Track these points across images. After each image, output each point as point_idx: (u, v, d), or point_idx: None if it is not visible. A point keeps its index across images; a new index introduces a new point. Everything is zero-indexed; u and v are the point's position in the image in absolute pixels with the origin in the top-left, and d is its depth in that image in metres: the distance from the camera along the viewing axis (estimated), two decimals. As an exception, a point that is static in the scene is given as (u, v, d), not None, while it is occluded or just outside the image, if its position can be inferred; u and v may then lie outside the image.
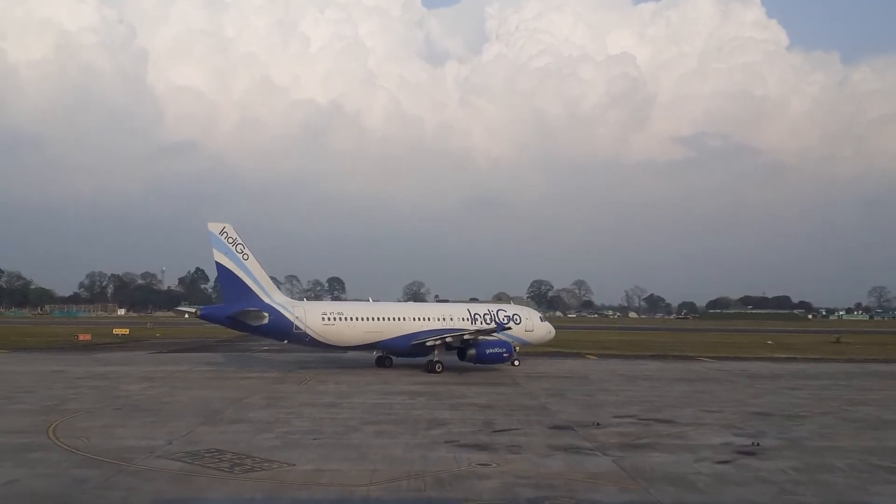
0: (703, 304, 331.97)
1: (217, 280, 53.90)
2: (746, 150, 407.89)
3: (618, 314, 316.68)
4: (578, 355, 70.37)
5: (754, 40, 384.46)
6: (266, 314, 49.31)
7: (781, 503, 19.45)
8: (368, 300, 63.36)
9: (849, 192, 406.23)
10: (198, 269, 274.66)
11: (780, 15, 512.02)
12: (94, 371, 50.18)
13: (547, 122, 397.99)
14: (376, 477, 21.03)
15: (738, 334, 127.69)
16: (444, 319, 54.19)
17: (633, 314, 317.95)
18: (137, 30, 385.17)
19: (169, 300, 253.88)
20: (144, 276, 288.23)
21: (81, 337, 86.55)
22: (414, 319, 53.82)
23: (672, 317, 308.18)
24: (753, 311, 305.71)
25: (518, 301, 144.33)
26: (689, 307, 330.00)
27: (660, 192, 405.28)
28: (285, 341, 53.20)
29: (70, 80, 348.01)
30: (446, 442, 26.42)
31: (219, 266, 49.58)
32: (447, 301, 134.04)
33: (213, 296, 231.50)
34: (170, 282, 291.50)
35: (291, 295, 60.56)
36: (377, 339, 52.54)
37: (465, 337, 50.49)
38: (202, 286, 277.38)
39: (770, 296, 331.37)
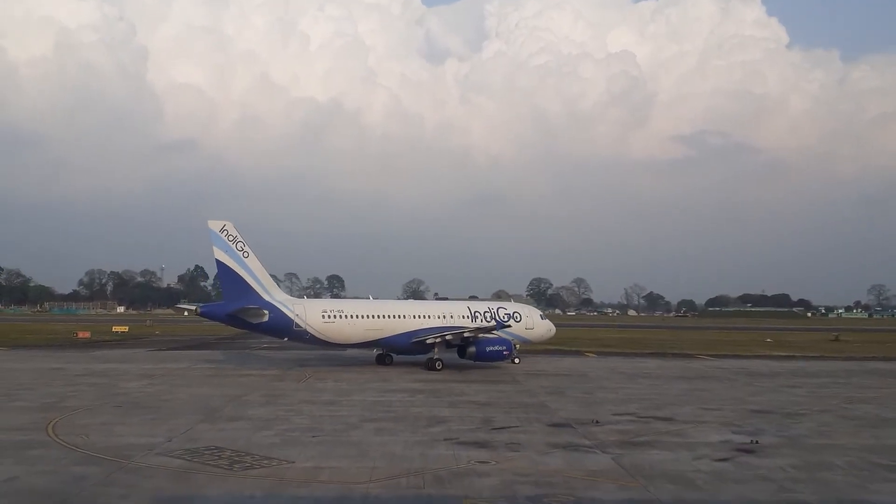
0: (703, 302, 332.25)
1: (217, 277, 53.96)
2: (746, 148, 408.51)
3: (617, 312, 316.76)
4: (578, 353, 70.40)
5: (754, 38, 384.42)
6: (266, 312, 49.35)
7: (780, 501, 19.47)
8: (369, 298, 63.36)
9: (848, 190, 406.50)
10: (197, 266, 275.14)
11: (780, 13, 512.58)
12: (94, 368, 50.21)
13: (547, 120, 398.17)
14: (376, 474, 21.04)
15: (738, 332, 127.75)
16: (444, 317, 54.24)
17: (632, 312, 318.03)
18: (137, 27, 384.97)
19: (168, 298, 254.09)
20: (144, 273, 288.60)
21: (81, 334, 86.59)
22: (414, 317, 53.86)
23: (671, 315, 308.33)
24: (753, 309, 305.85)
25: (517, 299, 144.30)
26: (688, 305, 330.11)
27: (659, 190, 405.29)
28: (285, 339, 53.28)
29: (70, 78, 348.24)
30: (446, 439, 26.44)
31: (219, 264, 49.61)
32: (447, 299, 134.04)
33: (213, 293, 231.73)
34: (169, 279, 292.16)
35: (291, 293, 60.55)
36: (377, 337, 52.57)
37: (465, 335, 50.50)
38: (201, 284, 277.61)
39: (769, 294, 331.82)
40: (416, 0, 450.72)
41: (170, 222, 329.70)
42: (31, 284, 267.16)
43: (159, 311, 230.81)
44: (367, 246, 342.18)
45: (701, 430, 29.60)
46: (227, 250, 49.28)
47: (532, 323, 57.22)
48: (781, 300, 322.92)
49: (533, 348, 61.79)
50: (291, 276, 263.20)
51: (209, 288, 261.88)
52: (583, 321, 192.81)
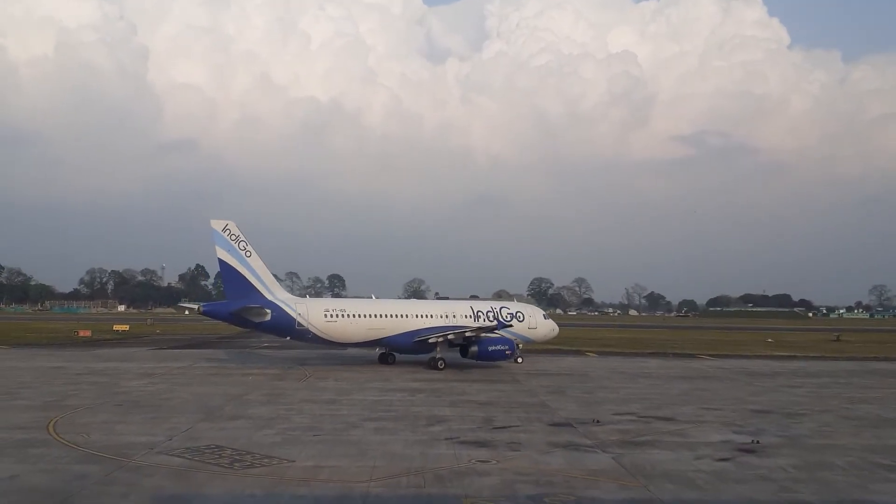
0: (704, 301, 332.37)
1: (219, 277, 54.03)
2: (747, 148, 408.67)
3: (618, 312, 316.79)
4: (578, 353, 70.38)
5: (755, 39, 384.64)
6: (268, 311, 49.41)
7: (781, 501, 19.44)
8: (371, 297, 63.39)
9: (849, 190, 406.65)
10: (198, 265, 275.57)
11: (781, 13, 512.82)
12: (95, 367, 50.23)
13: (547, 120, 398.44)
14: (376, 473, 21.04)
15: (739, 332, 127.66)
16: (446, 317, 54.25)
17: (633, 312, 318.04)
18: (138, 27, 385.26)
19: (169, 297, 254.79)
20: (144, 272, 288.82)
21: (82, 333, 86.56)
22: (416, 316, 53.88)
23: (672, 315, 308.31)
24: (754, 310, 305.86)
25: (519, 299, 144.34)
26: (689, 305, 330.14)
27: (660, 190, 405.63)
28: (288, 338, 53.35)
29: (70, 78, 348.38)
30: (446, 439, 26.44)
31: (221, 263, 49.70)
32: (447, 298, 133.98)
33: (214, 292, 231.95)
34: (170, 278, 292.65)
35: (291, 292, 60.53)
36: (379, 336, 52.60)
37: (467, 334, 50.49)
38: (202, 283, 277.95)
39: (770, 294, 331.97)
40: (417, 0, 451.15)
41: (170, 221, 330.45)
42: (32, 283, 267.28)
43: (160, 309, 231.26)
44: (368, 245, 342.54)
45: (702, 429, 29.58)
46: (230, 249, 49.40)
47: (535, 323, 57.25)
48: (782, 300, 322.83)
49: (534, 348, 61.77)
50: (292, 275, 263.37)
51: (210, 287, 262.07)
52: (584, 321, 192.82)
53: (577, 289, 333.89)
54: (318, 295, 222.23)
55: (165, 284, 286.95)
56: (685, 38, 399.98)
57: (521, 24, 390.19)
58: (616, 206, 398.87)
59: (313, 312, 51.29)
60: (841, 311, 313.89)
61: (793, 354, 74.37)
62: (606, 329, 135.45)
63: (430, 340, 51.39)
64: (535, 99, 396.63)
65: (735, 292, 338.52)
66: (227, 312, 50.38)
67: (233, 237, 49.54)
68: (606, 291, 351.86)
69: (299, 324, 50.33)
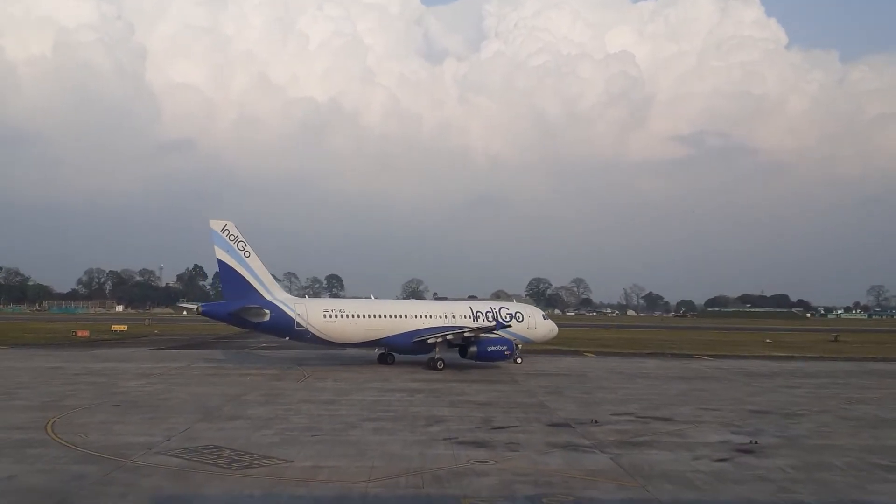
0: (702, 302, 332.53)
1: (217, 277, 54.04)
2: (745, 148, 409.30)
3: (616, 312, 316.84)
4: (577, 353, 70.43)
5: (753, 39, 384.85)
6: (267, 311, 49.42)
7: (779, 501, 19.46)
8: (370, 297, 63.38)
9: (848, 190, 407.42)
10: (196, 265, 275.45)
11: (779, 13, 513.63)
12: (93, 367, 50.19)
13: (546, 120, 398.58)
14: (375, 474, 21.03)
15: (737, 333, 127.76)
16: (445, 317, 54.25)
17: (631, 312, 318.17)
18: (136, 27, 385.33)
19: (167, 297, 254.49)
20: (143, 272, 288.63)
21: (80, 333, 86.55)
22: (415, 317, 53.88)
23: (671, 315, 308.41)
24: (752, 310, 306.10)
25: (517, 299, 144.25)
26: (687, 305, 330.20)
27: (659, 190, 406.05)
28: (287, 338, 53.34)
29: (68, 77, 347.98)
30: (445, 439, 26.43)
31: (220, 263, 49.70)
32: (446, 299, 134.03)
33: (212, 293, 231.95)
34: (168, 278, 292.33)
35: (289, 292, 60.51)
36: (379, 337, 52.60)
37: (466, 334, 50.48)
38: (200, 283, 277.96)
39: (769, 294, 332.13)
40: (415, 0, 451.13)
41: (169, 222, 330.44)
42: (30, 283, 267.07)
43: (158, 310, 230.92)
44: (366, 246, 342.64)
45: (700, 430, 29.60)
46: (229, 250, 49.41)
47: (534, 323, 57.28)
48: (781, 301, 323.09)
49: (532, 348, 61.78)
50: (290, 275, 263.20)
51: (208, 287, 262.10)
52: (582, 321, 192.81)
53: (576, 289, 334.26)
54: (316, 295, 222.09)
55: (163, 285, 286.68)
56: (683, 38, 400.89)
57: (519, 24, 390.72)
58: (614, 207, 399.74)
59: (312, 313, 51.29)
60: (839, 312, 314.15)
61: (791, 355, 74.44)
62: (605, 329, 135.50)
63: (430, 341, 51.39)
64: (533, 99, 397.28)
65: (733, 293, 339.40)
66: (225, 313, 50.37)
67: (232, 237, 49.55)
68: (605, 292, 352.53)
69: (298, 324, 50.33)
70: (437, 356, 51.03)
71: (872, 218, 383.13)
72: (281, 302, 50.79)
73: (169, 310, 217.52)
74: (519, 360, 54.29)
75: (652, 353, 74.00)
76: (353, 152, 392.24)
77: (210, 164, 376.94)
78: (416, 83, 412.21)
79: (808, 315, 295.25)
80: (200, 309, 54.19)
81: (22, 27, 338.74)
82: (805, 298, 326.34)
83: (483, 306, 58.08)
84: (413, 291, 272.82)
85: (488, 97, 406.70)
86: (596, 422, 30.56)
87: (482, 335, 50.60)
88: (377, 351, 55.04)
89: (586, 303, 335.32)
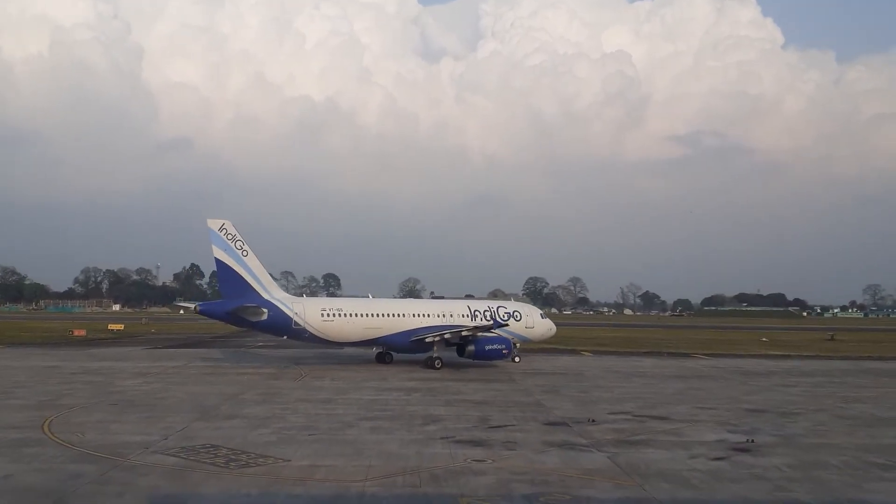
0: (699, 301, 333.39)
1: (216, 276, 54.03)
2: (742, 148, 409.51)
3: (613, 311, 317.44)
4: (574, 352, 70.48)
5: (749, 39, 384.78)
6: (265, 310, 49.41)
7: (776, 500, 19.49)
8: (368, 296, 63.39)
9: (844, 190, 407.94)
10: (193, 264, 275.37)
11: (776, 13, 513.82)
12: (89, 366, 50.11)
13: (542, 119, 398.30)
14: (372, 473, 21.03)
15: (733, 331, 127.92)
16: (443, 316, 54.26)
17: (628, 311, 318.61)
18: (132, 26, 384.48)
19: (164, 296, 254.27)
20: (139, 271, 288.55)
21: (76, 332, 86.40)
22: (413, 316, 53.85)
23: (667, 314, 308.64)
24: (748, 309, 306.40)
25: (515, 298, 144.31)
26: (684, 304, 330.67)
27: (655, 190, 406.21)
28: (284, 337, 53.26)
29: (65, 77, 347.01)
30: (442, 438, 26.44)
31: (218, 262, 49.69)
32: (443, 297, 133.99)
33: (209, 292, 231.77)
34: (165, 277, 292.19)
35: (286, 291, 60.47)
36: (376, 336, 52.59)
37: (464, 333, 50.49)
38: (197, 282, 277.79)
39: (765, 293, 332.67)
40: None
41: (165, 221, 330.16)
42: (27, 282, 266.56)
43: (155, 309, 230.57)
44: (363, 245, 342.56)
45: (696, 428, 29.64)
46: (227, 249, 49.41)
47: (532, 322, 57.33)
48: (777, 299, 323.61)
49: (529, 347, 61.80)
50: (287, 274, 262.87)
51: (205, 286, 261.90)
52: (579, 320, 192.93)
53: (573, 288, 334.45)
54: (312, 294, 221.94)
55: (160, 284, 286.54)
56: (680, 37, 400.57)
57: (516, 24, 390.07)
58: (611, 206, 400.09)
59: (310, 312, 51.28)
60: (835, 311, 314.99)
61: (787, 354, 74.58)
62: (601, 328, 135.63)
63: (427, 340, 51.38)
64: (529, 99, 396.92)
65: (730, 292, 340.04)
66: (223, 312, 50.37)
67: (229, 236, 49.55)
68: (601, 291, 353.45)
69: (296, 323, 50.32)
70: (434, 355, 51.03)
71: (869, 217, 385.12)
72: (279, 301, 50.78)
73: (166, 309, 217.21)
74: (517, 360, 54.34)
75: (648, 351, 74.06)
76: (350, 151, 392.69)
77: (207, 163, 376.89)
78: (413, 82, 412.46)
79: (805, 314, 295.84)
80: (198, 308, 54.16)
81: (18, 26, 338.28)
82: (801, 297, 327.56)
83: (481, 305, 58.10)
84: (410, 291, 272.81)
85: (485, 97, 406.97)
86: (593, 420, 30.59)
87: (480, 334, 50.62)
88: (375, 350, 55.02)
89: (583, 302, 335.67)
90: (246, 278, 49.67)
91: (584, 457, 23.85)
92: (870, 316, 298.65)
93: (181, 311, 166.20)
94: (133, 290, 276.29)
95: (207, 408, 32.49)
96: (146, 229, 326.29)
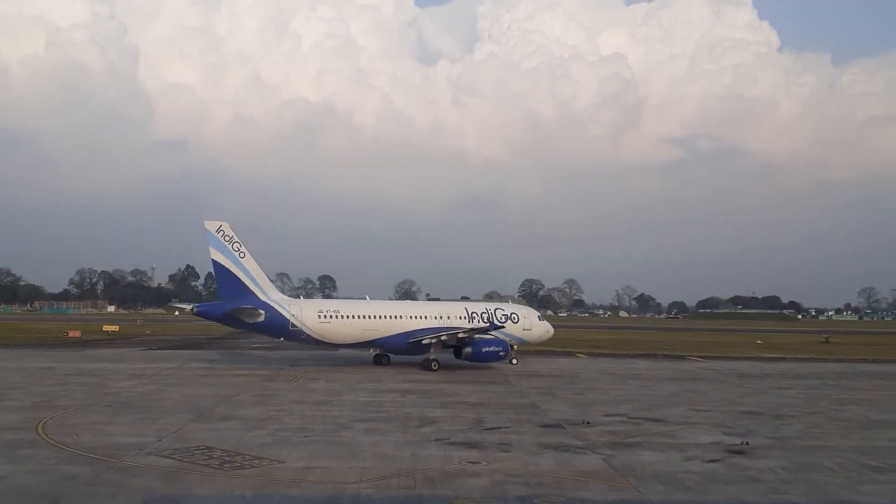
0: (694, 303, 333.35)
1: (212, 277, 54.08)
2: (737, 151, 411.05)
3: (608, 313, 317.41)
4: (569, 354, 70.47)
5: (745, 42, 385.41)
6: (262, 311, 49.41)
7: (771, 502, 19.54)
8: (365, 298, 63.37)
9: (839, 193, 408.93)
10: (188, 266, 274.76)
11: (772, 16, 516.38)
12: (84, 368, 49.98)
13: (539, 122, 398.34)
14: (366, 474, 21.03)
15: (728, 334, 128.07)
16: (440, 318, 54.25)
17: (623, 313, 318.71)
18: (129, 26, 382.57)
19: (159, 297, 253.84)
20: (135, 273, 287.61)
21: (71, 333, 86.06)
22: (410, 318, 53.84)
23: (662, 316, 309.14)
24: (743, 311, 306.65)
25: (511, 300, 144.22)
26: (679, 307, 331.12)
27: (651, 192, 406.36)
28: (281, 339, 53.23)
29: (61, 77, 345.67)
30: (437, 440, 26.45)
31: (215, 264, 49.69)
32: (438, 299, 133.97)
33: (204, 293, 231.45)
34: (160, 279, 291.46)
35: (282, 293, 60.34)
36: (373, 338, 52.56)
37: (461, 335, 50.49)
38: (192, 283, 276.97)
39: (760, 296, 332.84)
40: (409, 1, 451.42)
41: (161, 222, 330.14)
42: (21, 283, 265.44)
43: (150, 310, 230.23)
44: (359, 246, 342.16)
45: (691, 431, 29.70)
46: (224, 250, 49.41)
47: (530, 324, 57.41)
48: (772, 302, 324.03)
49: (524, 349, 61.78)
50: (283, 276, 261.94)
51: (200, 288, 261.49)
52: (574, 322, 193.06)
53: (568, 290, 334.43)
54: (308, 296, 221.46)
55: (155, 285, 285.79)
56: (676, 40, 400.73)
57: (513, 26, 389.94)
58: (607, 208, 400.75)
59: (307, 313, 51.25)
60: (830, 313, 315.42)
61: (782, 356, 74.70)
62: (597, 330, 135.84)
63: (424, 342, 51.38)
64: (526, 101, 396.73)
65: (725, 294, 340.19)
66: (220, 313, 50.37)
67: (226, 238, 49.53)
68: (597, 293, 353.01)
69: (293, 324, 50.29)
70: (431, 357, 51.05)
71: (864, 220, 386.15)
72: (275, 302, 50.76)
73: (161, 310, 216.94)
74: (514, 361, 54.39)
75: (644, 354, 74.12)
76: (347, 153, 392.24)
77: (203, 165, 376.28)
78: (410, 85, 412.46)
79: (800, 316, 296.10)
80: (195, 309, 54.12)
81: (14, 26, 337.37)
82: (796, 300, 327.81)
83: (479, 307, 58.12)
84: (406, 292, 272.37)
85: (481, 99, 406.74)
86: (588, 423, 30.62)
87: (477, 336, 50.64)
88: (372, 352, 54.99)
89: (578, 304, 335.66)
90: (243, 280, 49.67)
91: (579, 459, 23.88)
92: (864, 319, 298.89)
93: (176, 313, 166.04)
94: (128, 291, 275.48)
95: (202, 409, 32.44)
96: (141, 230, 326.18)
